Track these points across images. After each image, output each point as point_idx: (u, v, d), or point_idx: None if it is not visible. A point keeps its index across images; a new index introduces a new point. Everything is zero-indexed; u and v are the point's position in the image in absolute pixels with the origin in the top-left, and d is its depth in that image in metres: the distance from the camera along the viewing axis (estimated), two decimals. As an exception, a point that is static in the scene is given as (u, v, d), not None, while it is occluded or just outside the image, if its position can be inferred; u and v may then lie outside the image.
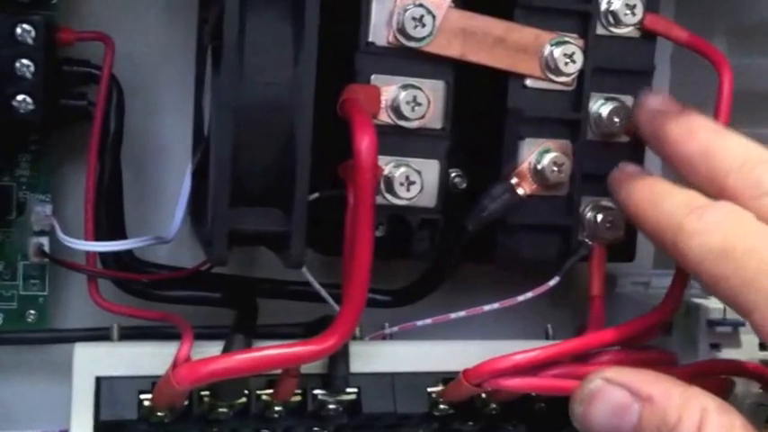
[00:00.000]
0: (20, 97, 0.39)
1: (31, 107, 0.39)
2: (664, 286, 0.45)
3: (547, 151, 0.42)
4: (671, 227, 0.32)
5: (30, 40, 0.39)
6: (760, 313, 0.28)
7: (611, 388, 0.31)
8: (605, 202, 0.43)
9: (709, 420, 0.28)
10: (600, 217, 0.42)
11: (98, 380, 0.38)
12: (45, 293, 0.44)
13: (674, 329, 0.45)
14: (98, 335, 0.41)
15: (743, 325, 0.44)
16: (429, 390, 0.42)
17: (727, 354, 0.44)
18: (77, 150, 0.43)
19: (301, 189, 0.35)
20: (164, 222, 0.43)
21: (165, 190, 0.46)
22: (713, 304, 0.44)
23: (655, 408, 0.29)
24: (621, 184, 0.38)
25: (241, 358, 0.36)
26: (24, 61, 0.39)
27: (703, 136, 0.34)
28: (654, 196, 0.34)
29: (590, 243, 0.43)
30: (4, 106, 0.39)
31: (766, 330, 0.28)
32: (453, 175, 0.43)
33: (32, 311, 0.44)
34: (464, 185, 0.43)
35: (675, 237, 0.31)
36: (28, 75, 0.39)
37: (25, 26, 0.39)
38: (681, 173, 0.35)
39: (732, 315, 0.43)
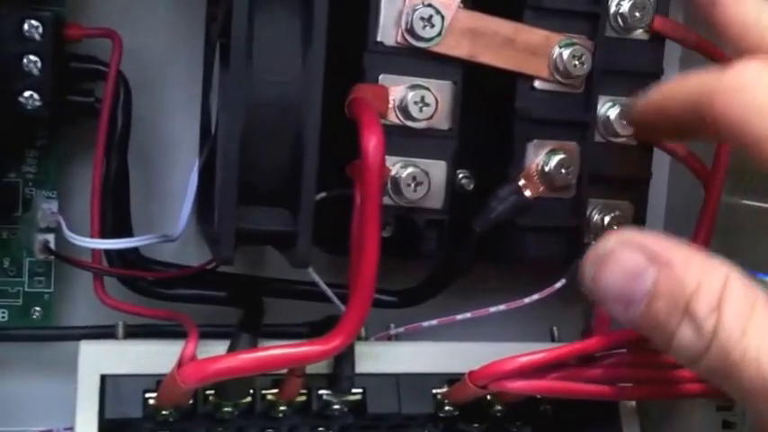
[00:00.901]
0: (27, 93, 0.39)
1: (38, 103, 0.39)
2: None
3: (554, 153, 0.42)
4: (703, 90, 0.28)
5: (37, 36, 0.39)
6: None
7: (627, 250, 0.27)
8: (612, 205, 0.43)
9: (732, 289, 0.26)
10: (607, 219, 0.42)
11: (103, 378, 0.38)
12: (50, 290, 0.44)
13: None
14: (103, 332, 0.41)
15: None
16: (434, 391, 0.42)
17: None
18: (84, 147, 0.43)
19: (308, 189, 0.35)
20: (170, 220, 0.43)
21: (172, 187, 0.46)
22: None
23: (673, 273, 0.26)
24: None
25: (246, 358, 0.36)
26: (32, 57, 0.39)
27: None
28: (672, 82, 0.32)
29: (597, 245, 0.42)
30: (10, 102, 0.39)
31: None
32: (461, 175, 0.43)
33: (38, 308, 0.44)
34: (471, 186, 0.43)
35: (712, 96, 0.28)
36: (35, 71, 0.39)
37: (33, 22, 0.39)
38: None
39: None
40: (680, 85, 0.30)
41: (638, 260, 0.27)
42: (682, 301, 0.26)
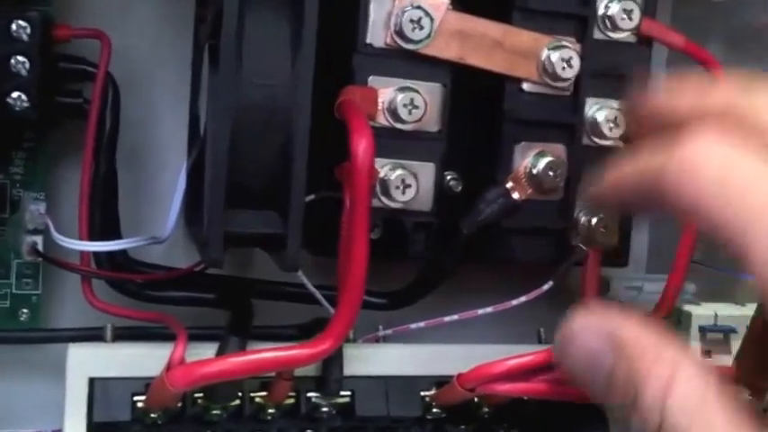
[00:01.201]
0: (15, 94, 0.39)
1: (26, 104, 0.39)
2: (657, 291, 0.46)
3: (542, 155, 0.42)
4: (652, 172, 0.26)
5: (25, 37, 0.39)
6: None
7: (587, 332, 0.27)
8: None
9: (679, 382, 0.25)
10: (594, 221, 0.42)
11: (91, 381, 0.38)
12: (38, 292, 0.44)
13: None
14: (91, 335, 0.41)
15: (734, 331, 0.44)
16: (422, 393, 0.42)
17: (719, 360, 0.44)
18: (72, 148, 0.43)
19: (298, 192, 0.35)
20: (158, 221, 0.43)
21: (160, 188, 0.45)
22: (704, 311, 0.44)
23: (625, 362, 0.26)
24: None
25: (235, 361, 0.36)
26: (19, 58, 0.39)
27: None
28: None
29: (584, 248, 0.43)
30: (-2, 104, 0.39)
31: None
32: (449, 177, 0.43)
33: (25, 310, 0.44)
34: (459, 188, 0.43)
35: (661, 177, 0.26)
36: (23, 72, 0.39)
37: (21, 22, 0.39)
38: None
39: (723, 322, 0.44)
40: (631, 169, 0.28)
41: (597, 346, 0.27)
42: (632, 390, 0.26)
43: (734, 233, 0.24)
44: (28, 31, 0.39)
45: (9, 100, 0.39)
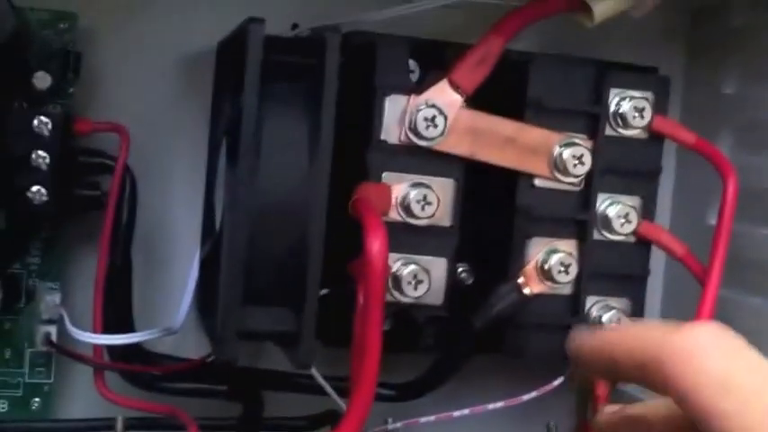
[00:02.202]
0: (34, 188, 0.39)
1: (45, 198, 0.39)
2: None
3: (554, 251, 0.42)
4: (653, 341, 0.27)
5: (46, 132, 0.39)
6: None
7: None
8: (610, 303, 0.43)
9: None
10: (605, 317, 0.43)
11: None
12: (50, 381, 0.44)
13: None
14: (102, 425, 0.41)
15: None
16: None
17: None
18: (88, 239, 0.44)
19: (312, 291, 0.36)
20: (170, 309, 0.43)
21: (173, 277, 0.46)
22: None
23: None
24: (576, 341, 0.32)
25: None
26: (40, 153, 0.39)
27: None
28: (622, 328, 0.31)
29: (596, 343, 0.43)
30: (18, 197, 0.39)
31: None
32: (460, 269, 0.43)
33: (37, 399, 0.44)
34: (471, 280, 0.43)
35: (660, 354, 0.26)
36: (43, 166, 0.39)
37: (42, 118, 0.39)
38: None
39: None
40: (626, 336, 0.28)
41: None
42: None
43: None
44: (49, 126, 0.39)
45: (29, 194, 0.39)
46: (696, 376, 0.25)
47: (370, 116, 0.40)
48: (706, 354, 0.25)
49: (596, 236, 0.43)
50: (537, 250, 0.42)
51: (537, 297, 0.42)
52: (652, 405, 0.30)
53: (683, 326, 0.26)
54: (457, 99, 0.40)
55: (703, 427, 0.25)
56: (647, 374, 0.26)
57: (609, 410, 0.34)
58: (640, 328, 0.28)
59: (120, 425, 0.40)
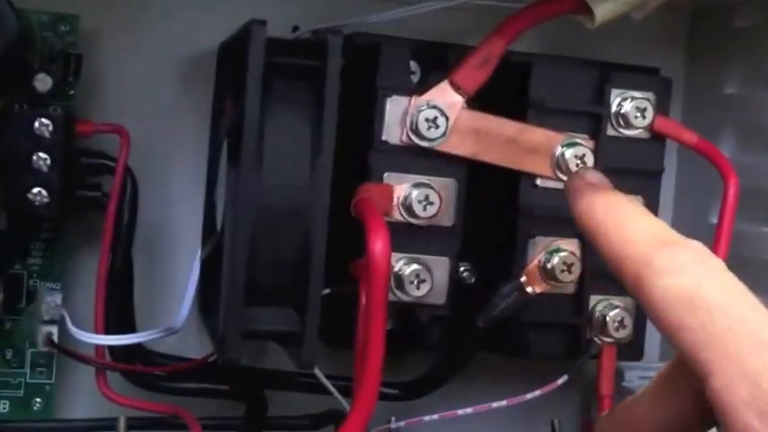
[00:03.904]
0: (35, 190, 0.39)
1: (46, 200, 0.39)
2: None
3: (556, 251, 0.42)
4: (636, 258, 0.28)
5: (47, 134, 0.39)
6: (718, 379, 0.25)
7: None
8: (614, 301, 0.43)
9: None
10: (609, 316, 0.43)
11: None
12: (52, 382, 0.44)
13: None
14: (105, 425, 0.41)
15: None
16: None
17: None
18: (89, 239, 0.44)
19: (315, 291, 0.36)
20: (171, 309, 0.43)
21: (174, 277, 0.46)
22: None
23: None
24: (582, 194, 0.33)
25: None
26: (41, 155, 0.39)
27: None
28: (620, 216, 0.30)
29: (599, 342, 0.43)
30: (19, 199, 0.39)
31: (717, 397, 0.25)
32: (462, 269, 0.43)
33: (38, 400, 0.44)
34: (473, 279, 0.43)
35: (640, 270, 0.27)
36: (44, 168, 0.39)
37: (44, 120, 0.39)
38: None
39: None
40: (624, 234, 0.29)
41: None
42: None
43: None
44: (50, 128, 0.39)
45: (30, 196, 0.39)
46: (665, 291, 0.26)
47: (372, 117, 0.40)
48: (680, 270, 0.26)
49: (598, 236, 0.43)
50: (539, 250, 0.42)
51: (540, 296, 0.42)
52: (633, 400, 0.31)
53: (668, 242, 0.28)
54: (458, 100, 0.40)
55: (670, 338, 0.26)
56: (627, 284, 0.28)
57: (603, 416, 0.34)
58: (627, 232, 0.29)
59: (122, 425, 0.40)
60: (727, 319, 0.25)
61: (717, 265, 0.27)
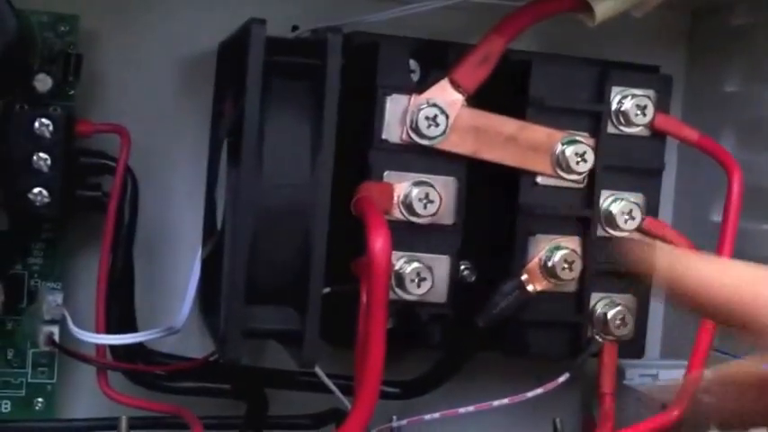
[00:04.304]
0: (36, 190, 0.39)
1: (46, 200, 0.39)
2: (672, 378, 0.46)
3: (557, 248, 0.42)
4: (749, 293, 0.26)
5: (48, 134, 0.39)
6: None
7: None
8: (615, 299, 0.43)
9: None
10: (610, 314, 0.43)
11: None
12: (53, 381, 0.44)
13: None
14: (106, 425, 0.41)
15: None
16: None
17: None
18: (90, 239, 0.44)
19: (315, 290, 0.36)
20: (172, 309, 0.43)
21: (174, 277, 0.46)
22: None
23: None
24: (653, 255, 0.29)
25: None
26: (42, 155, 0.39)
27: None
28: (712, 267, 0.28)
29: (600, 340, 0.43)
30: (20, 199, 0.39)
31: None
32: (463, 267, 0.43)
33: (40, 400, 0.44)
34: (474, 278, 0.43)
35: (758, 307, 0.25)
36: (45, 168, 0.39)
37: (44, 120, 0.39)
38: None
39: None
40: (723, 278, 0.27)
41: None
42: None
43: None
44: (51, 128, 0.39)
45: (30, 196, 0.39)
46: None
47: (372, 116, 0.40)
48: None
49: (600, 233, 0.43)
50: (540, 248, 0.42)
51: (541, 294, 0.42)
52: (743, 364, 0.30)
53: None
54: (458, 98, 0.40)
55: None
56: (742, 323, 0.26)
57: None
58: (735, 272, 0.27)
59: (123, 424, 0.40)
60: None
61: None
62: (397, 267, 0.40)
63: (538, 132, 0.42)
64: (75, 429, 0.42)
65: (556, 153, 0.42)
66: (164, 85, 0.45)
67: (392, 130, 0.40)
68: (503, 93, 0.41)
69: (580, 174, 0.42)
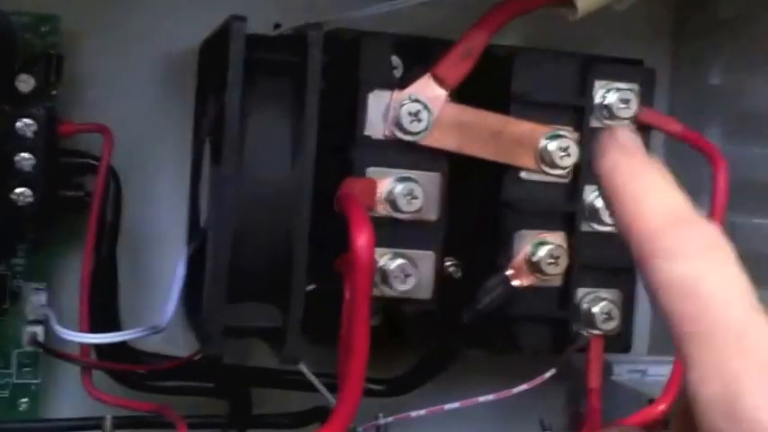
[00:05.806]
0: (18, 190, 0.39)
1: (29, 200, 0.39)
2: (660, 374, 0.45)
3: (542, 243, 0.42)
4: (645, 234, 0.26)
5: (30, 134, 0.39)
6: (696, 372, 0.24)
7: None
8: (601, 294, 0.43)
9: None
10: (596, 309, 0.42)
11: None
12: (38, 381, 0.44)
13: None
14: (91, 424, 0.41)
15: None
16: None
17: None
18: (73, 239, 0.44)
19: (298, 287, 0.36)
20: (156, 307, 0.43)
21: (158, 276, 0.46)
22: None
23: None
24: (607, 154, 0.29)
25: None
26: (24, 155, 0.39)
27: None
28: (640, 186, 0.28)
29: (586, 335, 0.43)
30: (2, 199, 0.39)
31: (692, 390, 0.24)
32: (448, 264, 0.43)
33: (25, 400, 0.44)
34: (459, 274, 0.43)
35: (646, 248, 0.26)
36: (27, 168, 0.39)
37: (27, 120, 0.39)
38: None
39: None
40: (641, 207, 0.26)
41: None
42: None
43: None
44: (33, 128, 0.39)
45: (13, 196, 0.39)
46: (666, 274, 0.25)
47: (354, 112, 0.40)
48: (683, 255, 0.25)
49: (585, 227, 0.43)
50: (525, 243, 0.42)
51: (526, 290, 0.42)
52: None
53: (680, 222, 0.26)
54: (441, 93, 0.40)
55: (664, 318, 0.25)
56: (633, 258, 0.26)
57: None
58: (644, 202, 0.26)
59: (108, 424, 0.40)
60: (720, 315, 0.24)
61: (723, 254, 0.26)
62: (381, 264, 0.40)
63: (521, 127, 0.41)
64: (59, 429, 0.41)
65: (539, 148, 0.41)
66: (146, 85, 0.45)
67: (375, 125, 0.40)
68: (486, 88, 0.41)
69: (564, 168, 0.42)
